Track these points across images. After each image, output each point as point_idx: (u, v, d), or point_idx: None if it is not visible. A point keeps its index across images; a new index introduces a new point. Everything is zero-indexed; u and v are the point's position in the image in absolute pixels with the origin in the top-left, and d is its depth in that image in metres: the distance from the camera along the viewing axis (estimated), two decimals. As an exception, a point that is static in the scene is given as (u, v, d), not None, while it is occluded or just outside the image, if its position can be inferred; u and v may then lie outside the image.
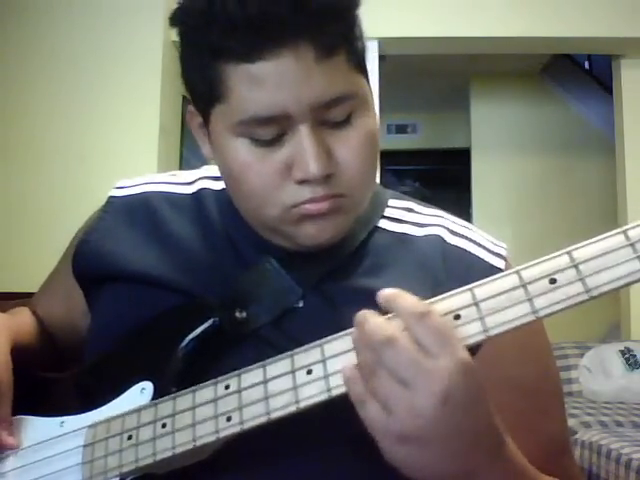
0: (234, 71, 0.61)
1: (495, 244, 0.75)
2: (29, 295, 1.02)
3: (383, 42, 3.38)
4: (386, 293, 0.53)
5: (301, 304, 0.68)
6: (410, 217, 0.77)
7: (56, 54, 3.26)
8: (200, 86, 0.65)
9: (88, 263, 0.77)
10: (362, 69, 0.66)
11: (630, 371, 3.15)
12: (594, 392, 3.16)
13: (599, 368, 3.20)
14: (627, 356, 3.20)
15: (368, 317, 0.53)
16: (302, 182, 0.63)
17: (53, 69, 3.26)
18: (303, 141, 0.61)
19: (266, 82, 0.60)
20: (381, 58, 3.44)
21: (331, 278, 0.69)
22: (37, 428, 0.69)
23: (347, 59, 0.62)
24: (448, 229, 0.75)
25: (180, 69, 0.69)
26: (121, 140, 3.21)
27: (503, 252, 0.74)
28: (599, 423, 2.73)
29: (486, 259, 0.72)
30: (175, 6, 0.65)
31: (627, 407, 2.99)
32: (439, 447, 0.51)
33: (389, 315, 0.53)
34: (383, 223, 0.75)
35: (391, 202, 0.78)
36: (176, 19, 0.65)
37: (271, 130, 0.62)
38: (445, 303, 0.53)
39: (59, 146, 3.20)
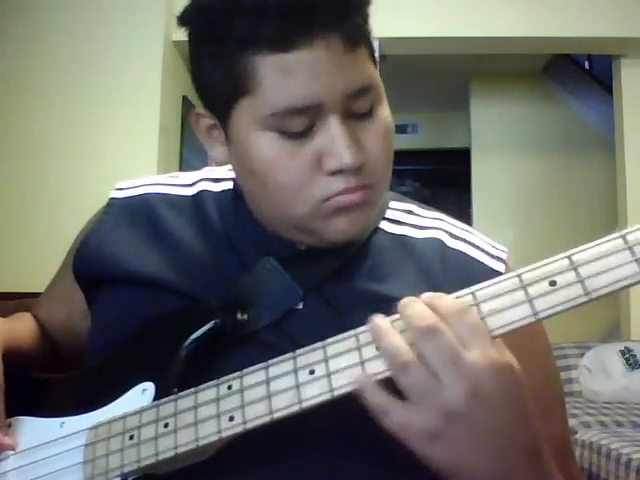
0: (264, 61, 0.60)
1: (495, 247, 0.75)
2: (29, 295, 1.02)
3: (383, 42, 3.37)
4: (427, 295, 0.54)
5: (301, 306, 0.68)
6: (410, 219, 0.77)
7: (56, 54, 3.26)
8: (220, 83, 0.64)
9: (89, 265, 0.77)
10: (376, 63, 0.67)
11: (630, 371, 3.15)
12: (594, 392, 3.16)
13: (599, 368, 3.20)
14: (627, 356, 3.20)
15: (410, 303, 0.53)
16: (335, 173, 0.62)
17: (53, 69, 3.26)
18: (335, 131, 0.62)
19: (299, 72, 0.60)
20: (381, 58, 3.43)
21: (331, 280, 0.69)
22: (37, 429, 0.69)
23: (367, 52, 0.64)
24: (448, 232, 0.75)
25: (191, 69, 0.68)
26: (121, 140, 3.21)
27: (503, 255, 0.74)
28: (599, 423, 2.73)
29: (486, 262, 0.72)
30: (183, 5, 0.65)
31: (627, 407, 2.99)
32: (471, 445, 0.51)
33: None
34: (383, 225, 0.75)
35: (392, 204, 0.78)
36: (188, 17, 0.65)
37: (301, 121, 0.61)
38: None
39: (59, 146, 3.20)
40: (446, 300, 0.53)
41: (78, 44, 3.26)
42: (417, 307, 0.53)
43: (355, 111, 0.63)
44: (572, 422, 2.66)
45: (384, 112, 0.66)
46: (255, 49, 0.60)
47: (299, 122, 0.62)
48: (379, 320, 0.54)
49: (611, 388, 3.13)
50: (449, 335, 0.51)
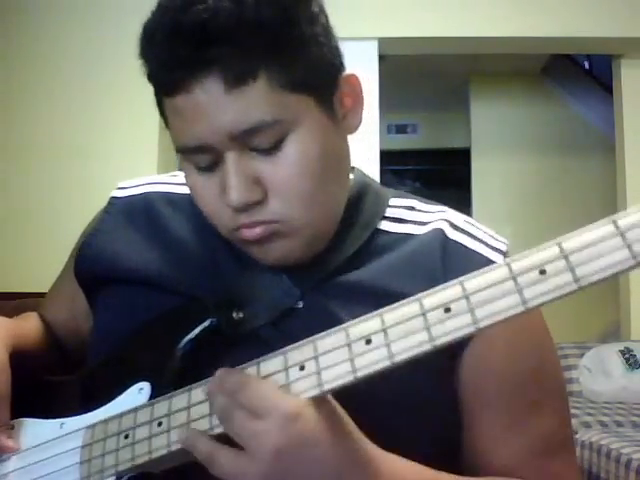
0: (165, 103, 0.64)
1: (495, 239, 0.74)
2: (30, 295, 1.02)
3: (383, 42, 3.38)
4: (211, 382, 0.56)
5: (300, 305, 0.68)
6: (412, 216, 0.76)
7: (57, 53, 3.26)
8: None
9: (90, 266, 0.77)
10: (302, 87, 0.62)
11: (630, 371, 3.15)
12: (594, 392, 3.16)
13: (599, 368, 3.20)
14: (627, 356, 3.20)
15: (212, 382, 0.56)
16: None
17: (54, 68, 3.26)
18: (227, 169, 0.62)
19: (184, 115, 0.62)
20: (381, 58, 3.44)
21: (330, 279, 0.69)
22: (38, 430, 0.69)
23: (269, 83, 0.60)
24: (450, 223, 0.74)
25: None
26: (121, 140, 3.21)
27: (503, 247, 0.73)
28: (599, 423, 2.73)
29: (484, 254, 0.71)
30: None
31: (627, 407, 2.99)
32: None
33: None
34: (384, 225, 0.75)
35: (392, 201, 0.77)
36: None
37: (204, 158, 0.63)
38: (436, 296, 0.53)
39: (59, 146, 3.20)
40: (230, 377, 0.55)
41: (79, 44, 3.26)
42: (213, 389, 0.56)
43: (256, 146, 0.62)
44: (572, 422, 2.66)
45: (300, 145, 0.62)
46: (159, 91, 0.65)
47: (202, 158, 0.64)
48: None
49: (611, 388, 3.13)
50: (238, 413, 0.53)
